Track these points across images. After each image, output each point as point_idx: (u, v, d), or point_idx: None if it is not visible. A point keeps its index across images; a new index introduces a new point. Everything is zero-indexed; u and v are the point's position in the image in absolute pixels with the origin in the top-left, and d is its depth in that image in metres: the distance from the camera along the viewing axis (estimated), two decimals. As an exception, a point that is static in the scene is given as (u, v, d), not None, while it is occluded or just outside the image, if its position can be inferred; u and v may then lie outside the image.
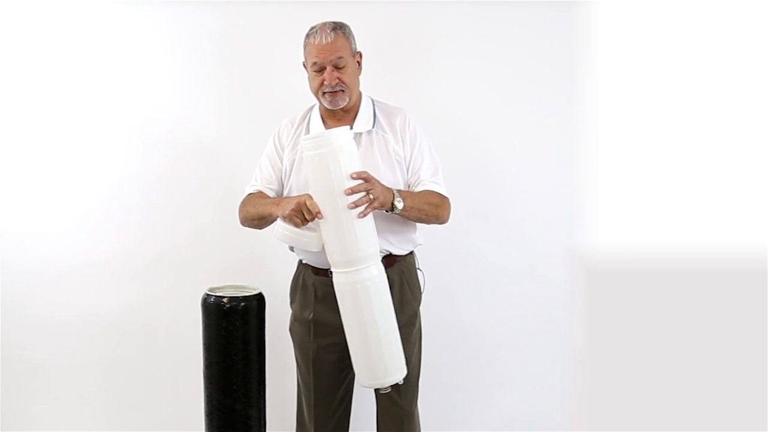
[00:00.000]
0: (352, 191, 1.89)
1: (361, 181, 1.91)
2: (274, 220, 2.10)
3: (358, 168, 1.93)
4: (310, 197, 1.95)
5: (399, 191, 2.04)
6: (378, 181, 1.97)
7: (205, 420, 2.23)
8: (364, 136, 2.15)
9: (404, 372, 2.03)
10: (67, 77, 2.78)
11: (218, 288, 2.22)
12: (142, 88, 2.79)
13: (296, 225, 1.99)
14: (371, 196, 1.92)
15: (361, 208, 1.91)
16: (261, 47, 2.79)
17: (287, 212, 1.98)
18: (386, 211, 2.02)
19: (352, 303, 1.96)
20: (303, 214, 1.96)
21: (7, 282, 2.81)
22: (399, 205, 2.01)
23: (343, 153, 1.90)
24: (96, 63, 2.78)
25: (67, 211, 2.81)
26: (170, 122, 2.80)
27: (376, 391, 2.20)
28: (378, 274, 1.97)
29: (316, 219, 1.94)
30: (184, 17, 2.77)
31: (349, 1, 2.56)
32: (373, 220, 1.97)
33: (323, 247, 2.00)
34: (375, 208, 1.95)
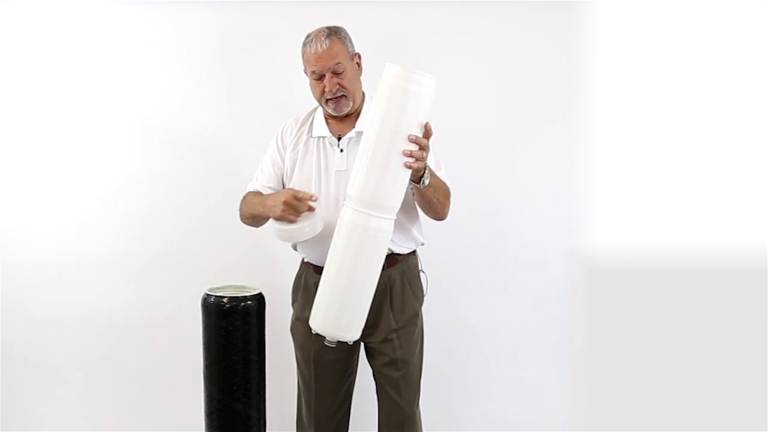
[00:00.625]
0: (416, 140, 1.85)
1: (422, 137, 1.87)
2: (266, 219, 2.12)
3: (429, 121, 1.89)
4: (295, 190, 1.96)
5: (430, 168, 2.00)
6: (430, 149, 1.93)
7: (205, 420, 2.23)
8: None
9: (358, 336, 1.97)
10: (66, 77, 2.78)
11: (218, 288, 2.22)
12: (142, 88, 2.79)
13: (291, 222, 1.99)
14: (423, 155, 1.89)
15: (411, 160, 1.86)
16: (261, 47, 2.79)
17: (278, 214, 1.99)
18: (412, 180, 1.98)
19: (355, 245, 1.88)
20: (294, 209, 1.96)
21: (7, 282, 2.81)
22: (426, 180, 1.98)
23: (425, 100, 1.86)
24: (96, 63, 2.78)
25: (67, 211, 2.81)
26: (170, 122, 2.80)
27: (383, 389, 2.22)
28: (388, 231, 1.92)
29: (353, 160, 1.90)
30: (184, 17, 2.77)
31: (351, 1, 2.56)
32: (408, 182, 1.94)
33: (320, 248, 1.99)
34: (418, 168, 1.90)
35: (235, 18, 2.77)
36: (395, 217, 1.94)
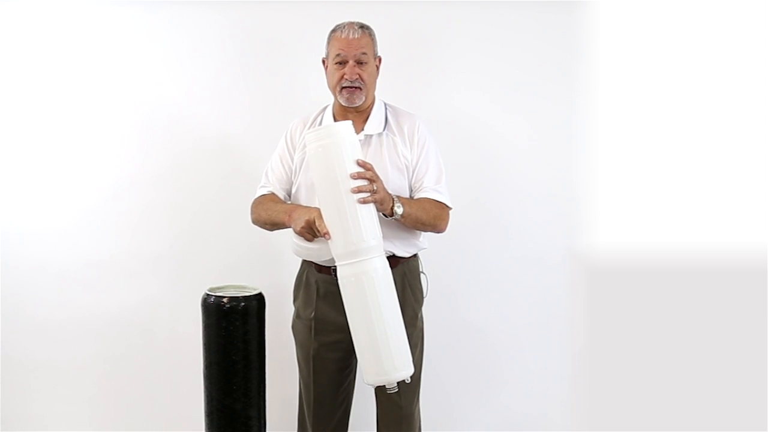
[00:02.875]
0: (358, 176, 1.91)
1: (363, 170, 1.93)
2: (286, 227, 2.14)
3: (362, 158, 1.96)
4: (320, 216, 1.97)
5: (398, 197, 2.06)
6: (380, 179, 1.98)
7: (205, 420, 2.23)
8: (374, 138, 2.16)
9: (411, 369, 1.99)
10: (67, 75, 2.78)
11: (218, 288, 2.22)
12: (143, 87, 2.79)
13: (308, 240, 2.04)
14: (374, 187, 1.93)
15: (364, 195, 1.91)
16: (264, 47, 2.79)
17: (298, 230, 2.03)
18: (385, 215, 2.03)
19: (357, 295, 1.94)
20: (313, 231, 1.99)
21: (7, 282, 2.81)
22: (399, 210, 2.02)
23: (346, 144, 1.92)
24: (96, 62, 2.78)
25: (67, 210, 2.81)
26: (171, 121, 2.80)
27: (380, 389, 2.20)
28: (382, 268, 1.96)
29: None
30: (187, 16, 2.77)
31: (354, 2, 2.56)
32: (376, 214, 1.97)
33: (317, 249, 2.05)
34: (375, 201, 1.95)
35: (237, 17, 2.77)
36: (383, 253, 1.98)
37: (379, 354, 1.93)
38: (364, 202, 1.91)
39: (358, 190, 1.91)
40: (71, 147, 2.80)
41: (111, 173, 2.81)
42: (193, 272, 2.80)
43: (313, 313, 2.22)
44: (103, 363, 2.86)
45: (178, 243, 2.83)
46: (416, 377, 2.25)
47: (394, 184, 2.10)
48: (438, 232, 2.20)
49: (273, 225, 2.19)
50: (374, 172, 1.95)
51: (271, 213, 2.17)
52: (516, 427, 2.90)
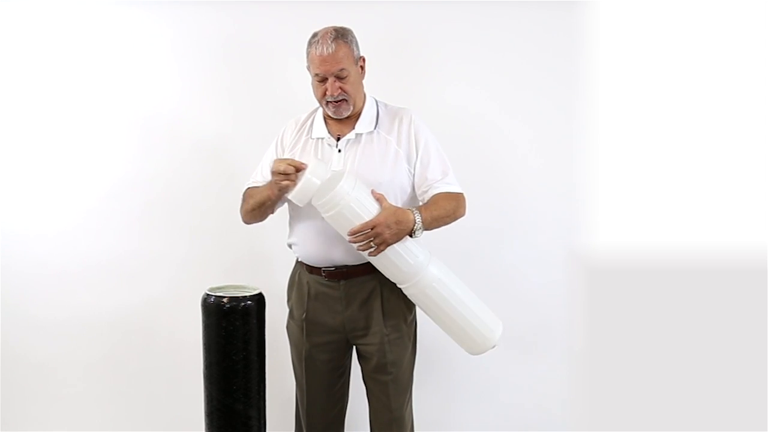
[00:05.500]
0: (353, 240, 1.96)
1: (357, 238, 1.96)
2: (274, 203, 2.14)
3: (363, 218, 1.95)
4: (275, 164, 2.02)
5: (416, 209, 2.04)
6: (385, 223, 1.96)
7: (205, 420, 2.23)
8: (364, 135, 2.15)
9: (501, 325, 2.15)
10: (67, 76, 2.78)
11: (218, 288, 2.22)
12: (142, 87, 2.79)
13: (287, 187, 2.01)
14: (377, 241, 1.95)
15: (371, 250, 1.97)
16: (262, 46, 2.79)
17: (282, 185, 2.01)
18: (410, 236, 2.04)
19: (430, 304, 2.09)
20: (283, 174, 1.99)
21: (7, 282, 2.81)
22: (419, 233, 2.03)
23: (348, 208, 1.94)
24: (96, 62, 2.78)
25: (66, 211, 2.81)
26: (170, 121, 2.80)
27: (370, 391, 2.26)
28: (437, 272, 2.06)
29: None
30: (186, 16, 2.77)
31: (353, 1, 2.56)
32: (400, 245, 2.01)
33: (314, 247, 2.14)
34: (389, 245, 1.98)
35: (236, 17, 2.77)
36: (431, 258, 2.07)
37: (473, 335, 2.12)
38: (376, 254, 1.97)
39: (365, 249, 1.97)
40: (71, 148, 2.80)
41: (111, 173, 2.81)
42: (193, 272, 2.80)
43: (304, 314, 2.22)
44: (103, 363, 2.86)
45: (178, 243, 2.83)
46: (407, 381, 2.25)
47: (386, 181, 2.09)
48: (458, 219, 2.21)
49: (261, 205, 2.16)
50: (376, 228, 1.94)
51: (255, 196, 2.17)
52: (515, 427, 2.90)
